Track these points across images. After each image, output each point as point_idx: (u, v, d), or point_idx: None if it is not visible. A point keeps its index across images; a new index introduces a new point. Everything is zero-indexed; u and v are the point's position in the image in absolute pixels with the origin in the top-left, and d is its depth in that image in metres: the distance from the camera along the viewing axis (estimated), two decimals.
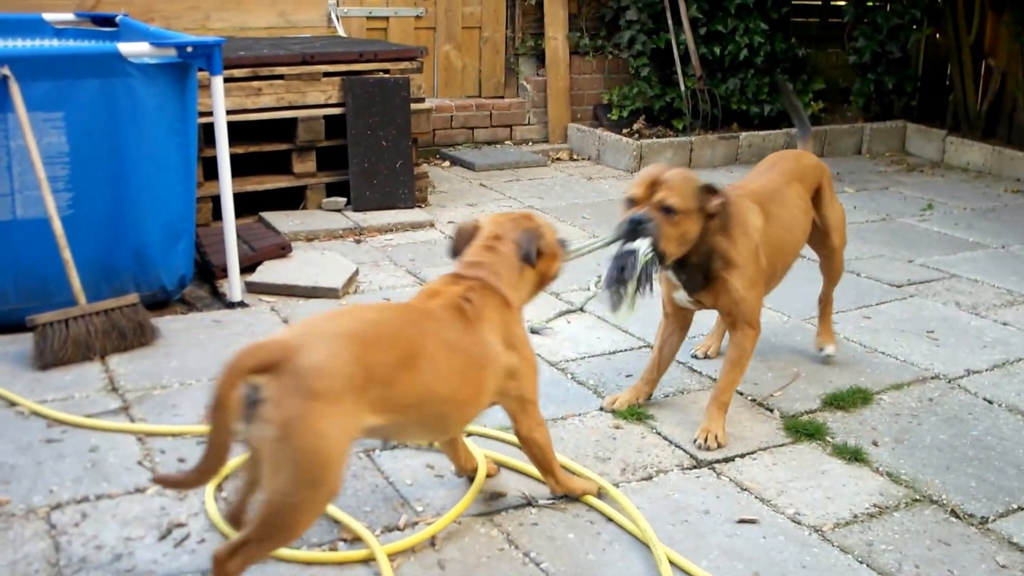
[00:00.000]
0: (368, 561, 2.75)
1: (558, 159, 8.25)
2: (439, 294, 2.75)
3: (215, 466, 2.32)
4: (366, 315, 2.57)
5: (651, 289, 3.26)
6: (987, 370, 4.22)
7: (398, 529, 2.90)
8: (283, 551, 2.71)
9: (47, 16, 5.29)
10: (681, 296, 3.61)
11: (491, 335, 2.73)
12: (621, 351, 4.27)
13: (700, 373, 4.09)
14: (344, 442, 2.38)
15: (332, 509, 2.98)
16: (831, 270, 4.29)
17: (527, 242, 2.89)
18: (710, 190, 3.37)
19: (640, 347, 4.29)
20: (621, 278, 3.22)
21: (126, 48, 4.13)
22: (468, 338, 2.67)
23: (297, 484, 2.31)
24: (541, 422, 2.95)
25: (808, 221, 3.98)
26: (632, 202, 3.34)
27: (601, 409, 3.74)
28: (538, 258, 2.93)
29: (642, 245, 3.23)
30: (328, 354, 2.34)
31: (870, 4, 8.94)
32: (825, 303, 4.34)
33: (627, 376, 4.01)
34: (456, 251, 2.96)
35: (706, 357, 4.20)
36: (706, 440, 3.49)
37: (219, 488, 3.06)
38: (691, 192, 3.32)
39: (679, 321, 3.77)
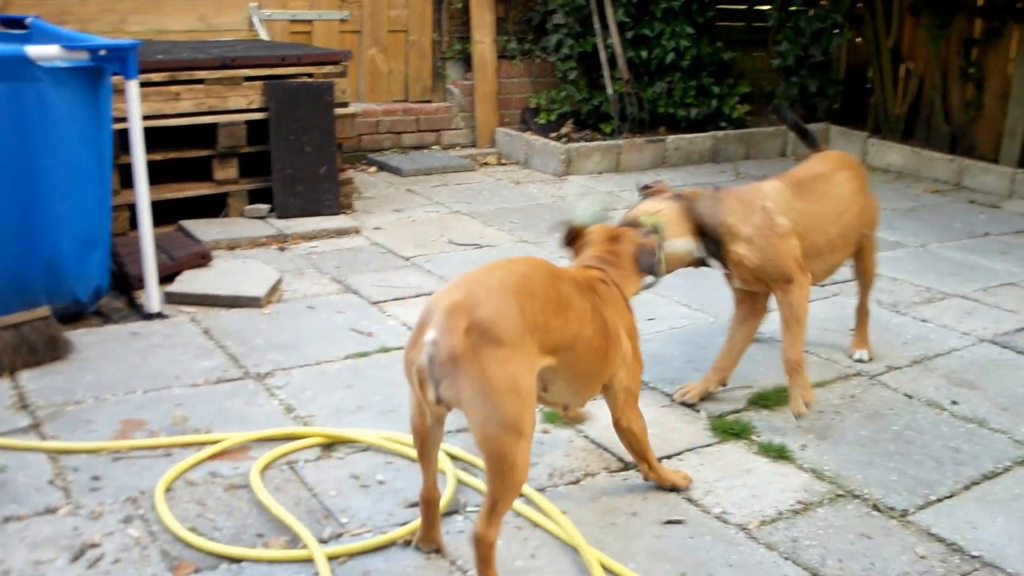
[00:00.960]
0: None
1: (486, 164, 8.22)
2: (571, 271, 2.98)
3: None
4: (517, 268, 2.70)
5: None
6: (907, 366, 4.28)
7: (322, 541, 2.85)
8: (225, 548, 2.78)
9: None
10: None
11: (616, 318, 2.96)
12: None
13: None
14: (532, 380, 2.56)
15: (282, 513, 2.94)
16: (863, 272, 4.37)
17: (650, 256, 3.16)
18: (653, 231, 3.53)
19: None
20: None
21: (34, 51, 4.01)
22: (601, 305, 2.90)
23: (503, 427, 2.46)
24: (640, 414, 3.11)
25: (862, 204, 4.04)
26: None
27: (672, 400, 3.84)
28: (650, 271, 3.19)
29: None
30: (500, 303, 2.50)
31: (793, 9, 9.05)
32: (861, 311, 4.44)
33: None
34: (568, 239, 3.21)
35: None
36: (802, 407, 3.64)
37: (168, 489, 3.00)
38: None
39: (749, 307, 3.87)
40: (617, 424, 3.09)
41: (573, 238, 3.20)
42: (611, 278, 3.04)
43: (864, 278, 4.36)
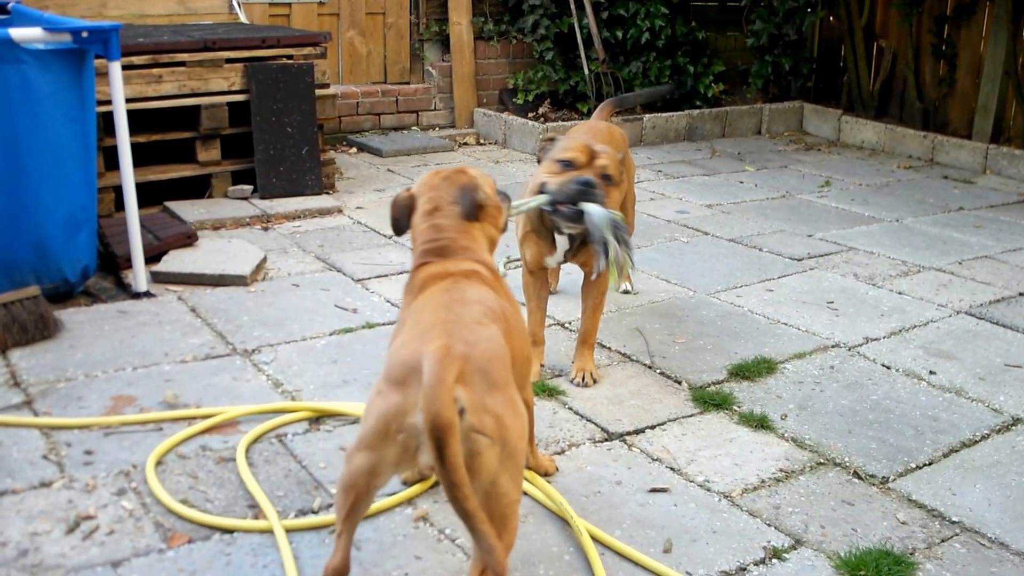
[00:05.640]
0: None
1: (465, 144, 8.26)
2: (452, 272, 2.56)
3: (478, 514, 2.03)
4: (469, 295, 2.41)
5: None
6: (884, 337, 4.35)
7: (312, 512, 2.89)
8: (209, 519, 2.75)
9: None
10: (556, 258, 3.75)
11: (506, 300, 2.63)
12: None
13: (610, 348, 4.14)
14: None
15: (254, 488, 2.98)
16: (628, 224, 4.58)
17: (463, 198, 2.71)
18: (621, 161, 3.65)
19: (550, 324, 4.32)
20: (622, 240, 3.36)
21: (18, 33, 4.01)
22: (504, 304, 2.56)
23: (515, 473, 2.19)
24: (530, 387, 2.91)
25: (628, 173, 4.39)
26: (571, 164, 3.48)
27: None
28: (480, 211, 2.73)
29: (596, 207, 3.36)
30: (487, 342, 2.22)
31: None
32: None
33: None
34: (399, 227, 2.78)
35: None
36: (583, 378, 3.79)
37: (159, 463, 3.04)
38: (618, 164, 3.58)
39: (543, 277, 3.89)
40: None
41: (402, 219, 2.78)
42: (473, 261, 2.62)
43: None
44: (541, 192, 3.50)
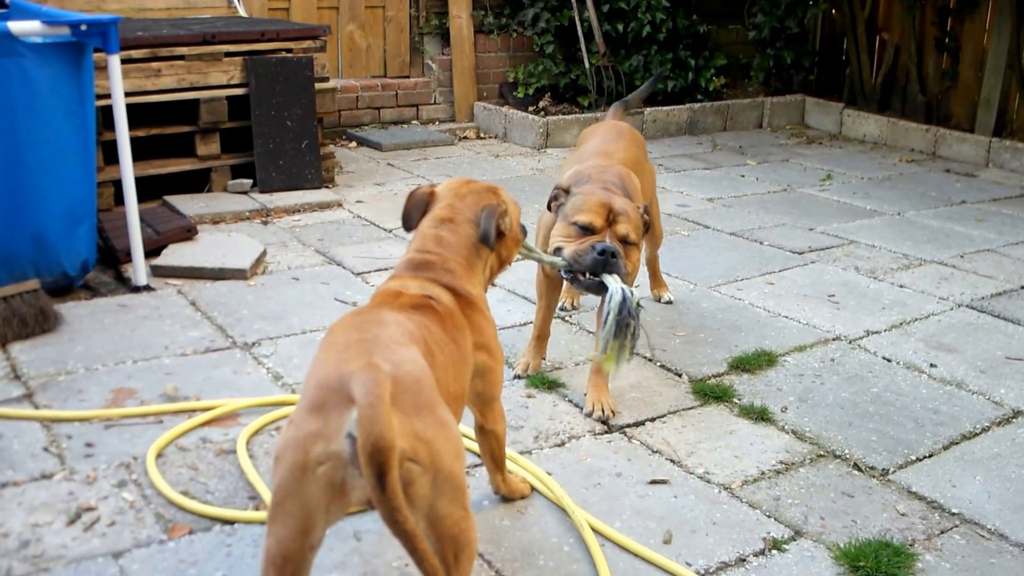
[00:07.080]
0: None
1: (465, 138, 8.25)
2: (402, 295, 2.43)
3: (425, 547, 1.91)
4: (386, 316, 2.25)
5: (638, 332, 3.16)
6: (885, 330, 4.35)
7: None
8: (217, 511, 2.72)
9: None
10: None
11: (460, 334, 2.46)
12: (532, 322, 4.29)
13: None
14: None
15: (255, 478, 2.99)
16: (652, 234, 4.42)
17: (486, 221, 2.57)
18: (645, 212, 3.45)
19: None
20: (625, 330, 3.10)
21: (17, 27, 4.00)
22: (447, 335, 2.40)
23: (454, 494, 2.04)
24: (503, 415, 2.80)
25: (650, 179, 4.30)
26: (588, 229, 3.29)
27: (516, 377, 3.78)
28: (499, 239, 2.62)
29: (619, 286, 3.13)
30: (410, 363, 2.07)
31: None
32: (653, 261, 4.62)
33: None
34: (408, 223, 2.67)
35: (573, 308, 4.52)
36: (603, 410, 3.51)
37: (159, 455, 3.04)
38: (640, 222, 3.39)
39: (555, 281, 3.77)
40: (480, 429, 2.78)
41: (414, 215, 2.68)
42: (442, 285, 2.49)
43: (653, 239, 4.49)
44: (556, 253, 3.31)
